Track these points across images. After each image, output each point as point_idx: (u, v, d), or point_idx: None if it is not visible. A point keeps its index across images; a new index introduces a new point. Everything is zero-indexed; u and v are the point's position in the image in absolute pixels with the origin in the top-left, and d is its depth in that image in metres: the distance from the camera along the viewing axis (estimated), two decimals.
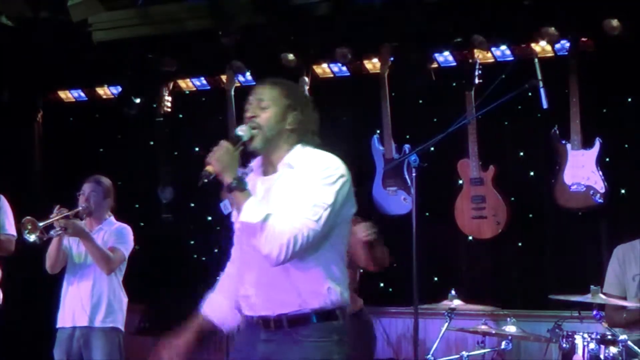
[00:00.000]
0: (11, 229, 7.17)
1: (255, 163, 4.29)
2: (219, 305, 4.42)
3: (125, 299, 6.89)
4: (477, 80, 7.78)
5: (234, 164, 4.04)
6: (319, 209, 3.94)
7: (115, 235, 6.79)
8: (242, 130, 4.13)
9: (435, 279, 8.22)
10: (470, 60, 7.93)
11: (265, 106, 4.17)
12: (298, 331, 4.04)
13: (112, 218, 6.97)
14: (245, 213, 3.96)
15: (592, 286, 5.95)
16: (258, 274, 4.10)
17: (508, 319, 6.74)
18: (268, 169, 4.22)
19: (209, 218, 9.29)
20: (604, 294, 6.22)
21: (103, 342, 6.66)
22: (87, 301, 6.67)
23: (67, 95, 9.97)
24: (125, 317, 6.91)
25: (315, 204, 3.95)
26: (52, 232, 6.60)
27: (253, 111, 4.18)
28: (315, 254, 4.02)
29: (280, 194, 4.05)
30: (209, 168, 4.04)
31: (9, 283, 7.31)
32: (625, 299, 6.39)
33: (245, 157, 4.23)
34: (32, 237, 6.55)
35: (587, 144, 7.51)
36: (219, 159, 4.02)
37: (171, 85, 9.28)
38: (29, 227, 6.54)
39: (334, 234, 4.07)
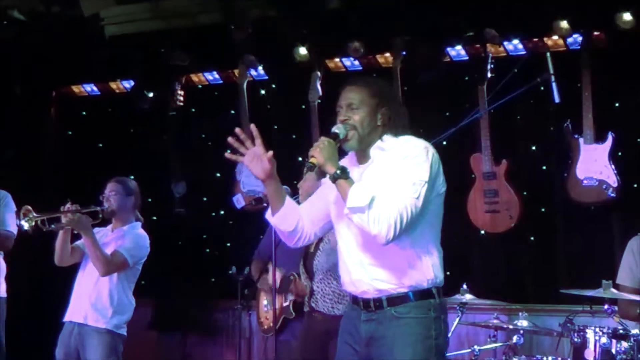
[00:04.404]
0: (12, 226, 7.14)
1: (349, 156, 4.52)
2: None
3: (130, 306, 6.71)
4: (489, 75, 7.78)
5: (335, 155, 4.28)
6: (417, 187, 4.21)
7: (127, 240, 6.71)
8: (337, 128, 4.36)
9: (448, 272, 8.17)
10: (483, 55, 7.92)
11: (356, 108, 4.39)
12: (397, 309, 4.30)
13: (138, 224, 6.84)
14: (352, 198, 4.16)
15: (603, 281, 5.93)
16: (359, 254, 4.35)
17: (520, 314, 6.73)
18: (362, 159, 4.46)
19: (222, 212, 9.31)
20: (617, 285, 6.21)
21: (96, 343, 6.53)
22: (87, 299, 6.61)
23: (79, 89, 10.00)
24: (128, 322, 6.77)
25: (414, 182, 4.20)
26: (53, 226, 6.58)
27: (345, 114, 4.41)
28: (412, 233, 4.27)
29: (376, 175, 4.31)
30: (312, 160, 4.26)
31: (14, 276, 7.33)
32: (638, 290, 6.37)
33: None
34: (25, 226, 6.54)
35: (599, 138, 7.49)
36: (322, 151, 4.25)
37: (183, 79, 9.29)
38: (24, 215, 6.54)
39: (428, 210, 4.33)
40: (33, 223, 6.51)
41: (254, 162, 4.41)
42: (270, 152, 4.42)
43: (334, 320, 5.64)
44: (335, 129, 4.35)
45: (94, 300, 6.58)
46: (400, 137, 4.41)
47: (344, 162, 4.47)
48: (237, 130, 4.45)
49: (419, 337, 4.26)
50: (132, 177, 7.06)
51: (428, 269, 4.34)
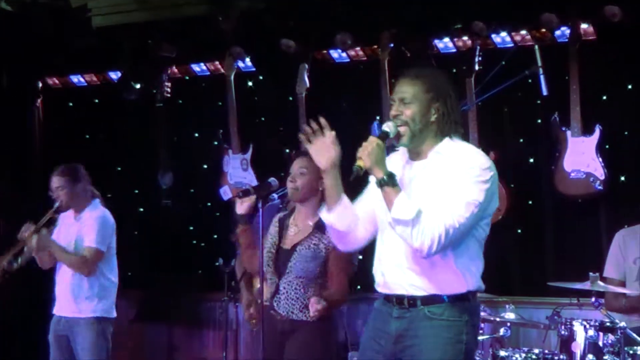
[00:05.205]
0: None
1: (400, 151, 4.40)
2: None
3: (113, 286, 6.75)
4: (477, 67, 7.76)
5: (384, 159, 4.17)
6: (471, 207, 4.10)
7: (91, 230, 6.68)
8: (388, 127, 4.24)
9: None
10: (471, 47, 7.91)
11: (408, 102, 4.25)
12: (430, 309, 4.22)
13: (96, 201, 6.81)
14: (397, 209, 4.08)
15: (591, 273, 5.96)
16: (400, 258, 4.25)
17: (507, 306, 6.75)
18: (415, 156, 4.33)
19: (209, 204, 9.29)
20: (604, 277, 6.23)
21: (86, 331, 6.58)
22: (68, 291, 6.65)
23: (66, 80, 9.95)
24: (115, 302, 6.79)
25: (468, 202, 4.10)
26: (20, 260, 6.66)
27: (397, 109, 4.28)
28: (457, 247, 4.18)
29: (429, 181, 4.20)
30: (360, 163, 4.13)
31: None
32: (624, 282, 6.41)
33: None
34: None
35: (587, 131, 7.49)
36: (370, 154, 4.11)
37: (170, 70, 9.26)
38: None
39: (478, 226, 4.25)
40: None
41: (321, 150, 4.29)
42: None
43: (291, 322, 5.59)
44: (385, 127, 4.24)
45: (76, 293, 6.63)
46: (458, 141, 4.31)
47: (396, 156, 4.40)
48: (313, 123, 4.33)
49: (450, 341, 4.19)
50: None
51: (468, 280, 4.26)
